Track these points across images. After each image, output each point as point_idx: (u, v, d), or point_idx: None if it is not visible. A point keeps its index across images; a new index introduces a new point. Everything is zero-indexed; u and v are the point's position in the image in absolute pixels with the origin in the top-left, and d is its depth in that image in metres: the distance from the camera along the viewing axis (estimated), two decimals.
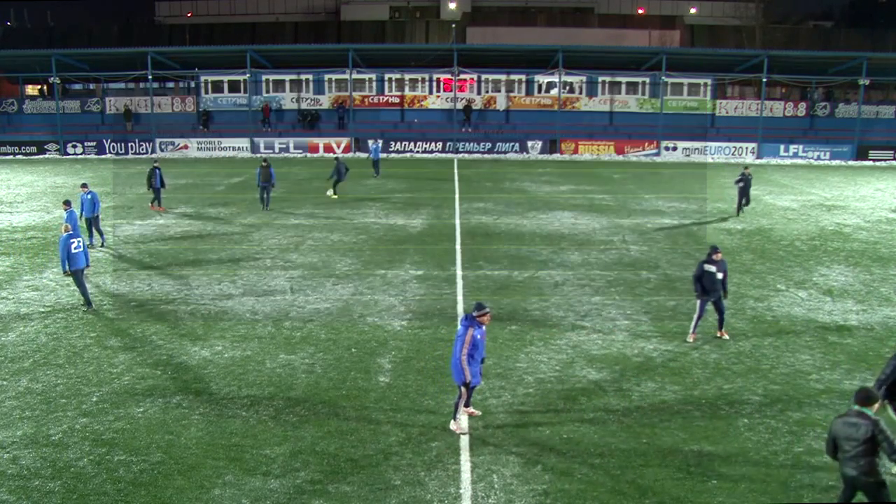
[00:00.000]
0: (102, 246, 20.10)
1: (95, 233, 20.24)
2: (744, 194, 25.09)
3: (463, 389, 9.55)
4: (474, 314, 9.49)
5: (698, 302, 13.02)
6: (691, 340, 13.09)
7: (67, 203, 17.98)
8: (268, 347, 12.70)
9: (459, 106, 47.25)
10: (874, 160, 43.86)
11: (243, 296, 15.69)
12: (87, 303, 14.76)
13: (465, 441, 9.42)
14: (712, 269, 12.79)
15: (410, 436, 9.57)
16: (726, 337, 13.20)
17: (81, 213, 19.78)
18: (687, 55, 50.67)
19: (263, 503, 8.08)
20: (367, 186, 31.59)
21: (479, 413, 10.23)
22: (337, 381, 11.29)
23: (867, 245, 21.03)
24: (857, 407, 7.06)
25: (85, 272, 14.85)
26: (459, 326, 9.62)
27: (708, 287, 12.82)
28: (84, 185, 20.58)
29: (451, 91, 47.78)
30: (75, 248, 14.47)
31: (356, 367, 11.85)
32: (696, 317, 13.15)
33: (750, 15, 61.67)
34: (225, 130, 46.93)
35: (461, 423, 9.77)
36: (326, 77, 48.32)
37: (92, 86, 61.30)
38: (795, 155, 44.44)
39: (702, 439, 9.51)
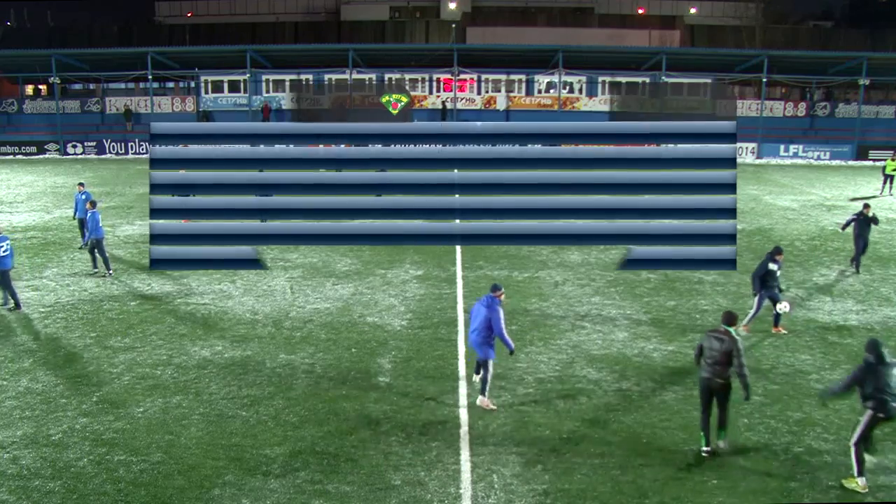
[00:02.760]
0: (83, 247, 19.39)
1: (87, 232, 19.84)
2: (863, 241, 18.23)
3: (490, 365, 10.16)
4: (495, 293, 10.27)
5: (756, 298, 13.47)
6: (745, 332, 13.33)
7: (93, 203, 17.53)
8: (268, 347, 12.69)
9: (447, 106, 47.20)
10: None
11: (243, 296, 15.69)
12: (17, 305, 14.69)
13: (465, 441, 9.43)
14: (774, 267, 13.40)
15: (410, 436, 9.57)
16: (784, 332, 13.53)
17: (75, 215, 19.48)
18: (687, 55, 50.64)
19: (263, 503, 8.09)
20: None
21: (496, 407, 10.35)
22: (337, 381, 11.30)
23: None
24: (724, 326, 9.10)
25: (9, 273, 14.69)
26: (483, 307, 10.09)
27: (769, 283, 13.36)
28: (81, 185, 20.07)
29: (451, 91, 47.81)
30: (3, 252, 14.30)
31: (356, 367, 11.85)
32: (753, 312, 13.57)
33: (750, 15, 61.62)
34: None
35: (489, 399, 10.23)
36: (326, 77, 48.31)
37: (92, 86, 61.26)
38: (795, 155, 44.44)
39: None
